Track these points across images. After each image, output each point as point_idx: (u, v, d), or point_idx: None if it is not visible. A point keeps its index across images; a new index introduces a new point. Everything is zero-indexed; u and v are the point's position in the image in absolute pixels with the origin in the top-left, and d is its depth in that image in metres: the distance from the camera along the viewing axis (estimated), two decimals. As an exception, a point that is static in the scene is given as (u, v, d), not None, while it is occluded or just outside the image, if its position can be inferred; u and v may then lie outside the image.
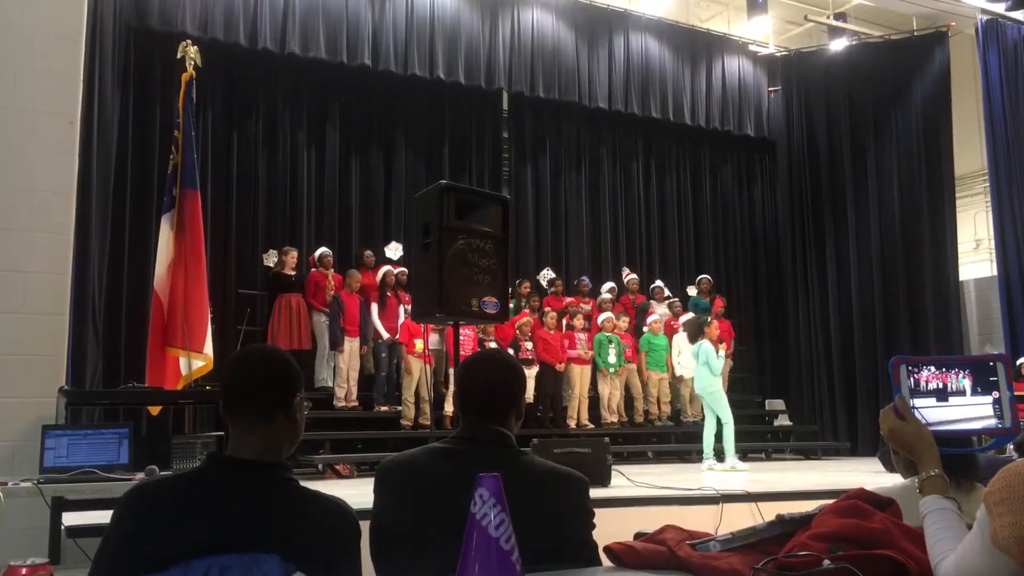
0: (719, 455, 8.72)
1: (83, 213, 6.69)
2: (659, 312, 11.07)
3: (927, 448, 1.59)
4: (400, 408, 8.91)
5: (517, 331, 9.63)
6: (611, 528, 2.12)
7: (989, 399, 1.69)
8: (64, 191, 5.43)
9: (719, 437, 8.74)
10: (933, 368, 1.71)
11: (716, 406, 8.67)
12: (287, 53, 9.67)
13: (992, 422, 1.68)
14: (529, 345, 9.68)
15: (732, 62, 12.89)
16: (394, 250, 9.83)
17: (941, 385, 1.70)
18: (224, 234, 9.53)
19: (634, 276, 11.62)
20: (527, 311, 10.08)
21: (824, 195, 12.67)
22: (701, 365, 8.69)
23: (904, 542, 1.52)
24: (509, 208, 5.21)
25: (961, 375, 1.70)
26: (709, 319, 9.15)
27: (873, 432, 10.92)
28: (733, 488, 5.96)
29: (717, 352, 8.73)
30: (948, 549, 1.41)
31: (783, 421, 11.90)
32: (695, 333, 9.02)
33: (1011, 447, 4.92)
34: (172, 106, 7.50)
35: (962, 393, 1.70)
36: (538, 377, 9.69)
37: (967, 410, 1.69)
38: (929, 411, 1.67)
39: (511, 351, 9.06)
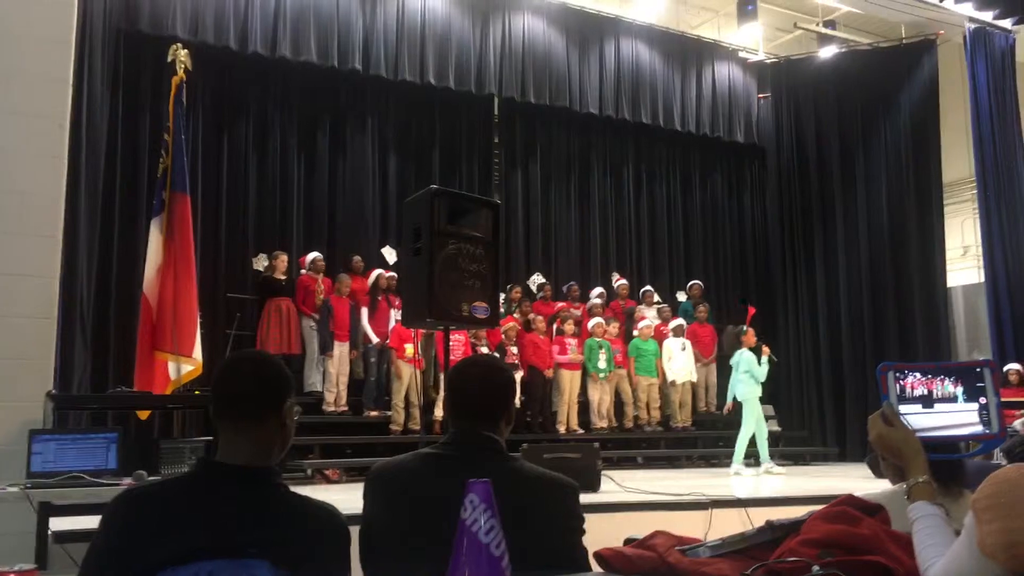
0: (747, 458, 9.02)
1: (72, 216, 6.65)
2: (648, 317, 11.09)
3: (915, 454, 1.60)
4: (390, 413, 8.90)
5: (503, 336, 9.62)
6: (601, 534, 2.12)
7: (975, 405, 1.70)
8: (53, 194, 5.40)
9: (752, 442, 9.03)
10: (918, 374, 1.72)
11: (749, 412, 8.92)
12: (278, 57, 9.66)
13: (978, 428, 1.69)
14: (515, 350, 9.68)
15: (722, 69, 12.94)
16: (389, 253, 9.82)
17: (926, 391, 1.71)
18: (214, 238, 9.50)
19: (624, 281, 11.64)
20: (514, 316, 10.07)
21: (813, 201, 12.72)
22: (742, 373, 8.94)
23: (893, 548, 1.53)
24: (500, 213, 5.22)
25: (947, 381, 1.71)
26: (745, 328, 9.32)
27: (862, 438, 10.94)
28: (723, 494, 5.97)
29: (759, 359, 8.97)
30: (936, 555, 1.42)
31: (772, 427, 11.85)
32: (733, 344, 9.22)
33: (999, 452, 4.95)
34: (162, 109, 7.47)
35: (947, 399, 1.71)
36: (527, 382, 9.69)
37: (953, 416, 1.70)
38: (914, 418, 1.68)
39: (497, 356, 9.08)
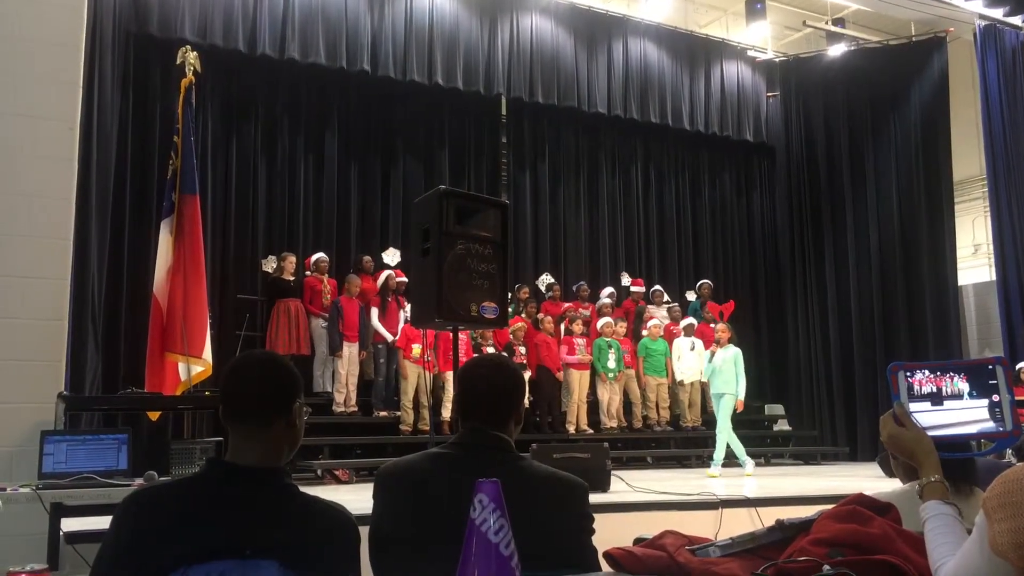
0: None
1: (82, 219, 6.68)
2: (658, 316, 11.07)
3: (927, 454, 1.59)
4: (399, 413, 8.91)
5: (511, 336, 9.62)
6: (611, 533, 2.12)
7: (985, 402, 1.68)
8: (63, 197, 5.42)
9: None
10: (927, 372, 1.71)
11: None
12: (286, 59, 9.68)
13: (989, 425, 1.68)
14: (523, 350, 9.67)
15: (731, 67, 12.91)
16: (391, 256, 9.83)
17: (935, 389, 1.70)
18: (223, 239, 9.53)
19: (637, 288, 11.62)
20: (521, 316, 10.07)
21: (823, 200, 12.69)
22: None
23: (904, 547, 1.52)
24: (508, 213, 5.22)
25: (956, 378, 1.70)
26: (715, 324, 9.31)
27: (872, 437, 10.92)
28: (733, 493, 5.96)
29: (709, 353, 8.93)
30: (948, 555, 1.41)
31: (782, 426, 11.90)
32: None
33: (1010, 451, 4.93)
34: (171, 111, 7.50)
35: (957, 397, 1.70)
36: (537, 382, 9.68)
37: (962, 414, 1.68)
38: (923, 415, 1.67)
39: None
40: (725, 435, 8.67)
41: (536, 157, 12.02)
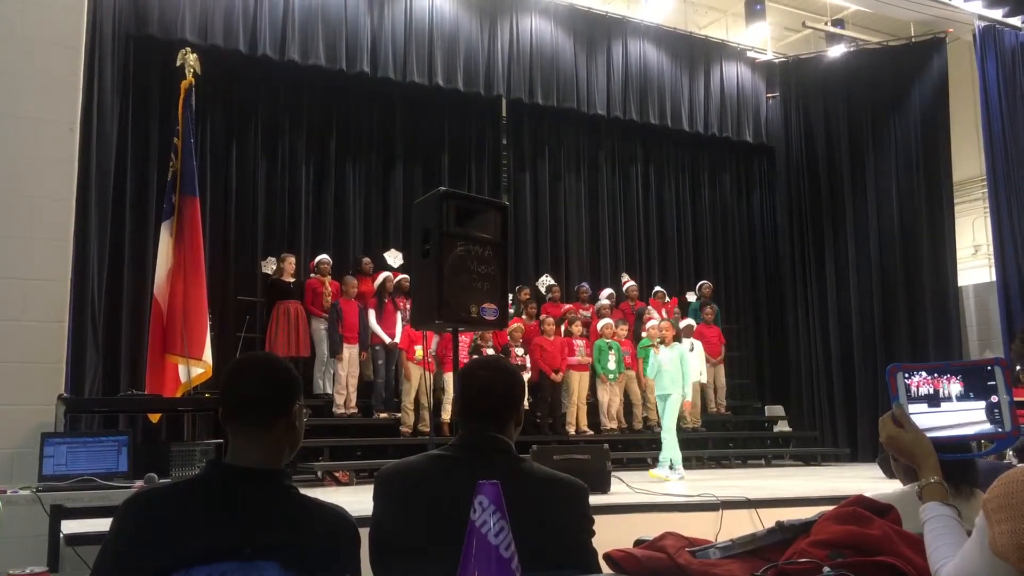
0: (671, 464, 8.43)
1: (83, 220, 6.69)
2: (658, 317, 11.05)
3: (926, 455, 1.59)
4: (399, 415, 8.90)
5: (508, 337, 9.59)
6: (611, 535, 2.12)
7: (983, 404, 1.68)
8: (63, 198, 5.42)
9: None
10: (924, 374, 1.71)
11: None
12: (286, 60, 9.68)
13: (987, 427, 1.67)
14: (520, 351, 9.66)
15: (730, 68, 12.91)
16: (394, 257, 9.83)
17: (932, 391, 1.70)
18: (223, 241, 9.52)
19: (632, 283, 11.62)
20: (520, 317, 10.05)
21: (823, 201, 12.68)
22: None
23: (904, 549, 1.52)
24: (508, 215, 5.21)
25: (953, 380, 1.70)
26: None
27: (873, 438, 10.91)
28: (733, 495, 5.96)
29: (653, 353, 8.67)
30: (948, 556, 1.41)
31: (782, 427, 11.90)
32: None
33: (1010, 452, 4.92)
34: (171, 113, 7.51)
35: (954, 399, 1.69)
36: (537, 384, 9.67)
37: (960, 415, 1.68)
38: (921, 417, 1.66)
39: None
40: (672, 436, 8.35)
41: (536, 158, 12.02)
